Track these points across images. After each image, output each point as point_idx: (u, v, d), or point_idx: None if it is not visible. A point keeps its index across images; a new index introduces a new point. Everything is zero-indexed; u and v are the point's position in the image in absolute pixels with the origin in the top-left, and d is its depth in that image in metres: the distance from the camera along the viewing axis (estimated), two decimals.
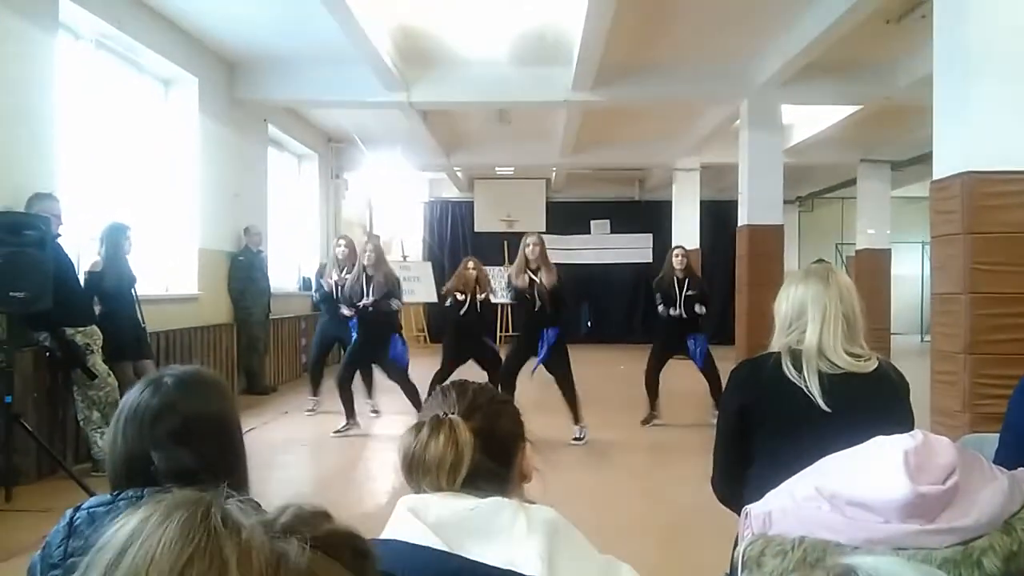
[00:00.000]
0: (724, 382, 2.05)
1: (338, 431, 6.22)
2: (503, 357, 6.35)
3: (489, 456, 1.16)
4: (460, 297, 6.46)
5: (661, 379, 6.66)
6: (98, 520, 1.22)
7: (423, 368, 6.57)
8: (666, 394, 6.88)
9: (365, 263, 6.19)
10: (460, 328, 6.51)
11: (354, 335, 6.41)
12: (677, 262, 6.68)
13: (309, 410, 7.22)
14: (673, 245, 7.13)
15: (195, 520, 0.52)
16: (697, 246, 12.69)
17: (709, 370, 6.58)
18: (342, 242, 6.97)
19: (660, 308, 6.66)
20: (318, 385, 7.23)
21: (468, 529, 1.05)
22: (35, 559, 1.25)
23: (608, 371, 7.13)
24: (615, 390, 6.79)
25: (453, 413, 1.18)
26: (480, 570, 0.99)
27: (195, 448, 1.26)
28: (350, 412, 6.26)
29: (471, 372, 6.46)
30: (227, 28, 7.06)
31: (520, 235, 6.32)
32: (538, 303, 5.87)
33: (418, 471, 1.15)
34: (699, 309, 6.57)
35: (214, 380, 1.40)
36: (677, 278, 6.61)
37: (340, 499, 4.47)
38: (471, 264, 6.59)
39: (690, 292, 6.55)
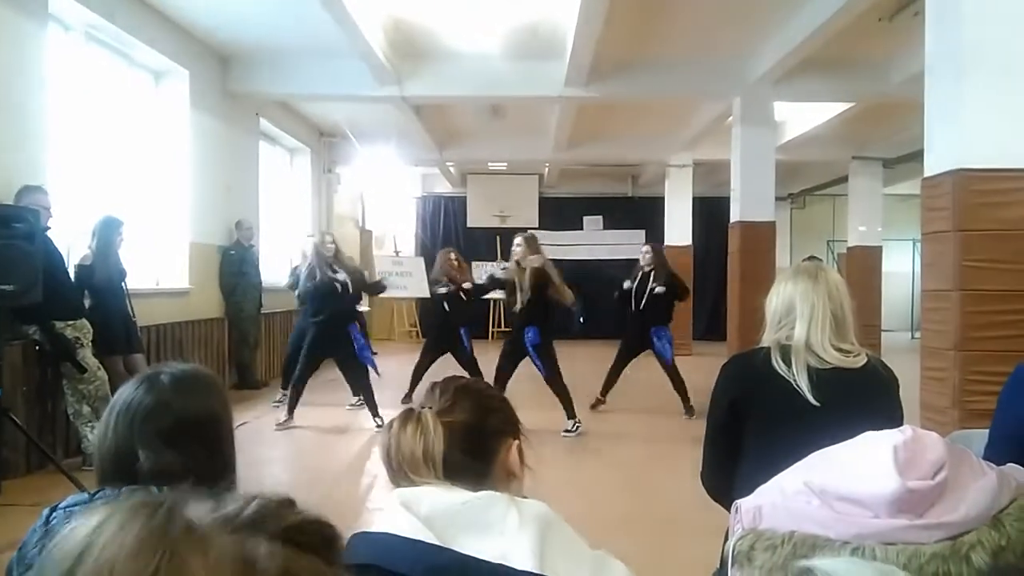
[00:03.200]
0: (717, 378, 2.05)
1: (280, 424, 6.25)
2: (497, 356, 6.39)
3: (464, 451, 1.16)
4: (443, 291, 6.64)
5: (661, 374, 6.70)
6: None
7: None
8: (656, 386, 6.89)
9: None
10: (443, 319, 6.78)
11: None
12: (644, 260, 7.01)
13: (277, 402, 7.18)
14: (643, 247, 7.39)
15: (157, 531, 0.47)
16: (689, 242, 12.71)
17: (671, 370, 6.74)
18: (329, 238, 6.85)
19: (623, 289, 6.93)
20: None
21: (460, 523, 1.05)
22: (12, 559, 1.22)
23: (601, 367, 7.17)
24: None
25: (431, 408, 1.19)
26: (472, 564, 0.99)
27: (183, 450, 1.24)
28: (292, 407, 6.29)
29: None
30: (219, 21, 7.01)
31: (513, 231, 6.35)
32: (518, 304, 5.96)
33: (395, 465, 1.17)
34: (658, 290, 6.74)
35: (211, 381, 1.38)
36: (644, 272, 6.90)
37: (331, 493, 4.47)
38: (453, 255, 6.81)
39: (655, 285, 6.76)
